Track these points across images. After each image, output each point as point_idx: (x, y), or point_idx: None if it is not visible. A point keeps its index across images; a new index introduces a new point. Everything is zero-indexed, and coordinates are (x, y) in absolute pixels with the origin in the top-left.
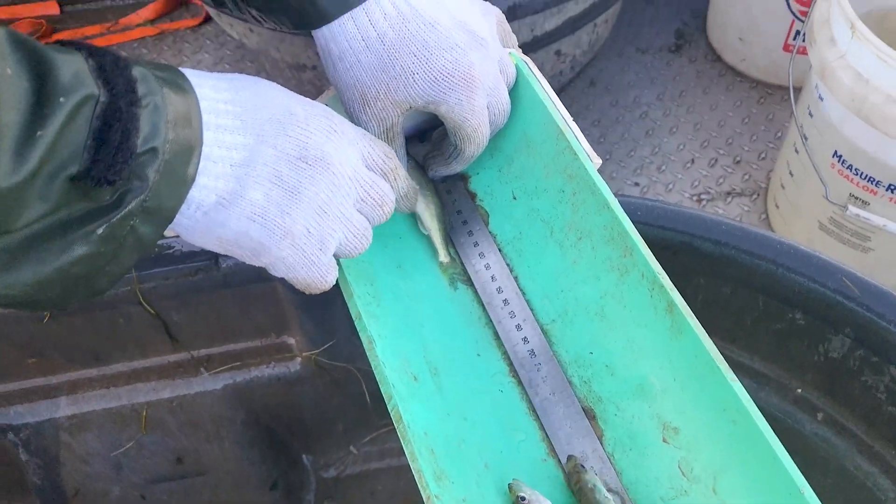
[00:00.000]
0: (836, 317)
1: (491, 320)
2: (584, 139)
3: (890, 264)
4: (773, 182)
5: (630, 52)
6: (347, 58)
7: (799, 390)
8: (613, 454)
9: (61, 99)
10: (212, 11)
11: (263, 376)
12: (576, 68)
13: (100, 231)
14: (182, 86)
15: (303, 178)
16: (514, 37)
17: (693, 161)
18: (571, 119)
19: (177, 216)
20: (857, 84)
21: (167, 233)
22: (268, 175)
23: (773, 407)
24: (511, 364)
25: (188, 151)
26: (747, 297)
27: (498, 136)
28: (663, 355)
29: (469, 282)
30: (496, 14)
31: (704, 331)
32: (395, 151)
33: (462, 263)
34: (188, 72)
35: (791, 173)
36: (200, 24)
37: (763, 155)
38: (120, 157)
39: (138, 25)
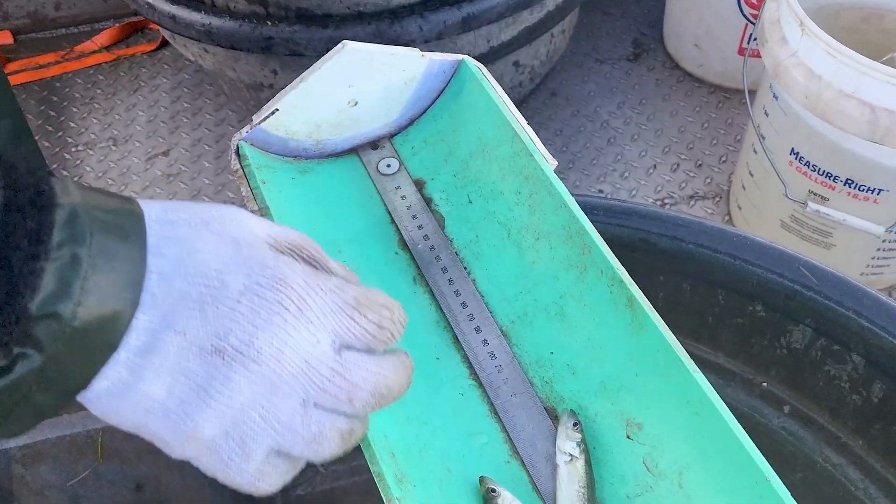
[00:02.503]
0: (795, 307)
1: (449, 324)
2: (540, 141)
3: (852, 259)
4: (735, 184)
5: (589, 62)
6: None
7: (764, 384)
8: None
9: None
10: (166, 33)
11: None
12: (535, 80)
13: None
14: (129, 234)
15: (215, 375)
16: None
17: (655, 167)
18: (526, 122)
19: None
20: (810, 81)
21: None
22: (170, 368)
23: (740, 403)
24: (471, 367)
25: (115, 318)
26: (707, 292)
27: (453, 142)
28: (624, 352)
29: (426, 285)
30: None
31: (665, 325)
32: None
33: (419, 268)
34: (152, 209)
35: (751, 174)
36: (157, 49)
37: (724, 158)
38: (1, 318)
39: (93, 52)
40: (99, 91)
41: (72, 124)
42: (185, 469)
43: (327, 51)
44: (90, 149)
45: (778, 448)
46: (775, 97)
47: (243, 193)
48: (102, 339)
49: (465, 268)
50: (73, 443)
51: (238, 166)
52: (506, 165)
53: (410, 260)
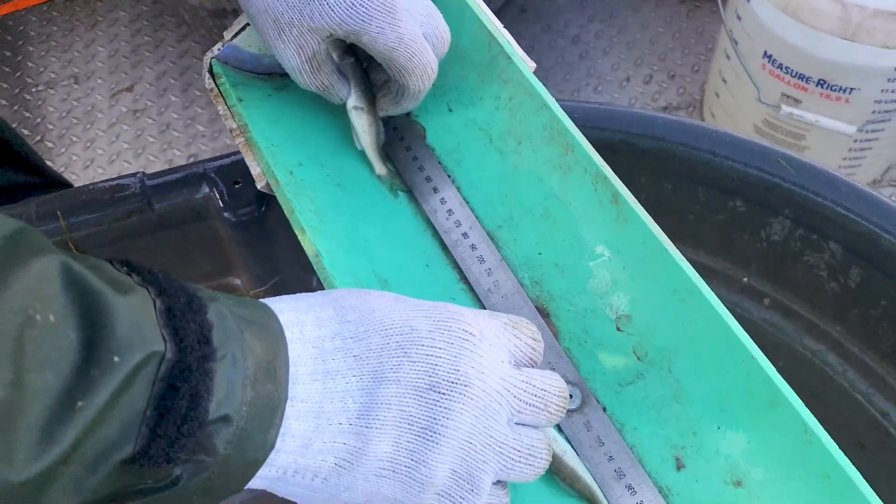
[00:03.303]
0: (774, 199)
1: (437, 231)
2: (517, 44)
3: (825, 160)
4: (708, 92)
5: None
6: None
7: (745, 279)
8: (570, 348)
9: (115, 358)
10: None
11: None
12: None
13: None
14: (267, 326)
15: (436, 412)
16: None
17: (628, 79)
18: (502, 26)
19: (294, 486)
20: None
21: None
22: (393, 419)
23: (722, 298)
24: (461, 272)
25: (270, 412)
26: (688, 190)
27: None
28: (612, 247)
29: (411, 195)
30: None
31: (650, 217)
32: (326, 79)
33: (402, 177)
34: (283, 300)
35: (724, 80)
36: None
37: (696, 68)
38: (186, 428)
39: None
40: (55, 28)
41: (30, 64)
42: None
43: None
44: (51, 88)
45: (760, 339)
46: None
47: (220, 112)
48: (262, 437)
49: (449, 176)
50: None
51: (213, 85)
52: (484, 71)
53: (394, 172)
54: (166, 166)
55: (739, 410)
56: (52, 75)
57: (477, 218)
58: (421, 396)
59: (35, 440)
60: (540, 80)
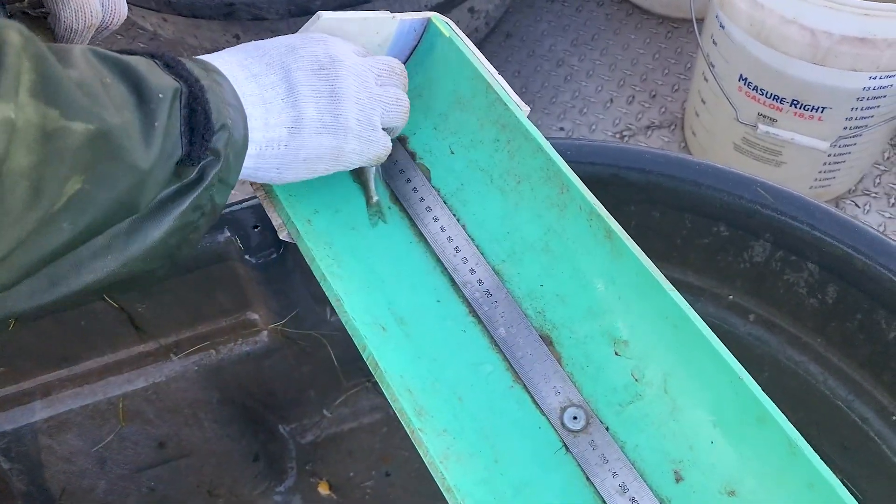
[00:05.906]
0: (755, 225)
1: (446, 268)
2: (511, 90)
3: (801, 174)
4: (688, 111)
5: (540, 2)
6: None
7: (731, 297)
8: (573, 373)
9: (160, 95)
10: None
11: (233, 354)
12: (490, 23)
13: (188, 204)
14: (211, 67)
15: (331, 80)
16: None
17: (612, 101)
18: (497, 73)
19: (267, 158)
20: (754, 9)
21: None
22: (310, 92)
23: (710, 315)
24: (470, 305)
25: (243, 121)
26: (675, 217)
27: (430, 97)
28: (607, 278)
29: (421, 236)
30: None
31: (642, 251)
32: None
33: (411, 219)
34: (198, 58)
35: (703, 101)
36: None
37: (676, 87)
38: (206, 136)
39: None
40: None
41: None
42: (203, 422)
43: (289, 13)
44: None
45: (746, 353)
46: (722, 27)
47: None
48: (243, 139)
49: (455, 215)
50: (95, 410)
51: None
52: (482, 115)
53: (403, 212)
54: None
55: (730, 426)
56: None
57: (483, 254)
58: (318, 73)
59: (143, 144)
60: (528, 104)
